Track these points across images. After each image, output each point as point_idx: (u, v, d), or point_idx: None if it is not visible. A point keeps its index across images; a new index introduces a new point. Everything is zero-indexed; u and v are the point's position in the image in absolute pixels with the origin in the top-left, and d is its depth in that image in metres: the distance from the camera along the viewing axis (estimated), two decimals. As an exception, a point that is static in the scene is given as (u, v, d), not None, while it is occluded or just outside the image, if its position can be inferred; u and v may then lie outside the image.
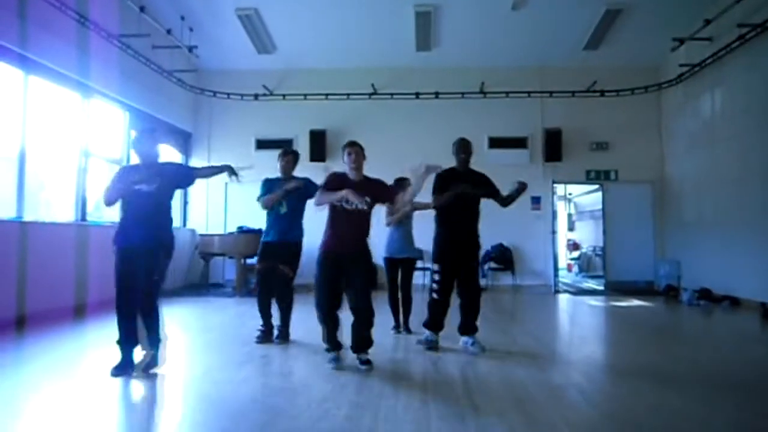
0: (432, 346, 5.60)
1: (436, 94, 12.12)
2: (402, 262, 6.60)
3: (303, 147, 12.16)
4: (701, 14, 9.61)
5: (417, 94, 12.14)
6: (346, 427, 3.31)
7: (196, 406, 3.85)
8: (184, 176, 4.97)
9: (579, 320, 8.61)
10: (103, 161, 9.29)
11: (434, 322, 5.65)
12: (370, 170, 5.10)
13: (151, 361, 4.52)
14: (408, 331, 6.49)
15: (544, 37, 11.17)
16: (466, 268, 5.58)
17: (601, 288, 12.19)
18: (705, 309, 9.00)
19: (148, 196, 4.48)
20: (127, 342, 4.48)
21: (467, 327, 5.57)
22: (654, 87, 11.86)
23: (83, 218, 8.57)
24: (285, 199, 5.80)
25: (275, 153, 12.85)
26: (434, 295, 5.63)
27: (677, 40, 10.22)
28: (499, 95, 12.04)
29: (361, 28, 11.01)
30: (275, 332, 5.91)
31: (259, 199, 5.91)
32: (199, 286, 11.20)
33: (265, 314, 5.90)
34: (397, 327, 6.57)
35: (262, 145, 12.13)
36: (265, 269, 5.85)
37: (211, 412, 3.63)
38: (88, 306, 7.58)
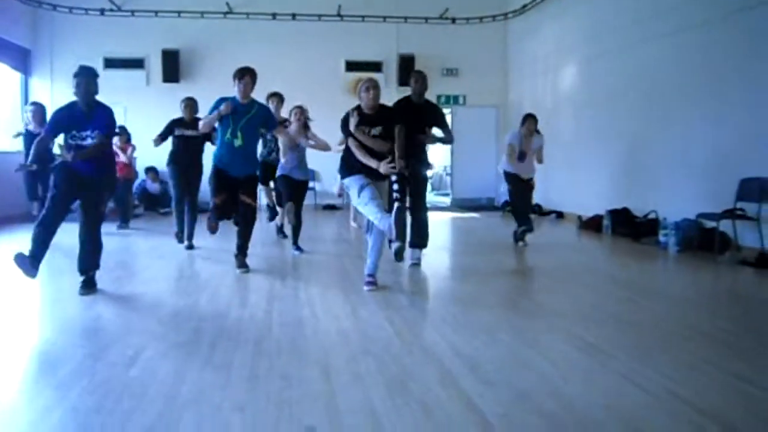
0: None
1: (293, 16, 12.10)
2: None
3: (155, 67, 11.82)
4: (540, -52, 10.33)
5: (274, 15, 12.04)
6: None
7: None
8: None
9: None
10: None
11: None
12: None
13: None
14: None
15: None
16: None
17: (447, 204, 13.16)
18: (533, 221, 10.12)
19: None
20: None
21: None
22: (501, 16, 12.63)
23: None
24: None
25: (125, 72, 12.31)
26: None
27: (520, -28, 10.94)
28: (356, 19, 12.25)
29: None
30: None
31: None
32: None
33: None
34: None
35: (111, 64, 11.51)
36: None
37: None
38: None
